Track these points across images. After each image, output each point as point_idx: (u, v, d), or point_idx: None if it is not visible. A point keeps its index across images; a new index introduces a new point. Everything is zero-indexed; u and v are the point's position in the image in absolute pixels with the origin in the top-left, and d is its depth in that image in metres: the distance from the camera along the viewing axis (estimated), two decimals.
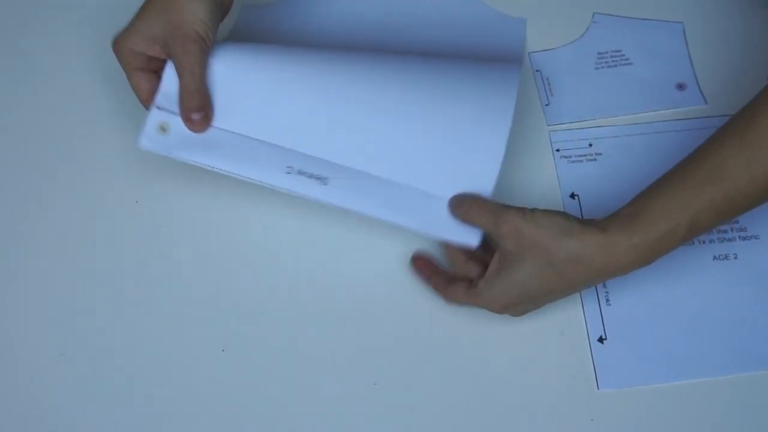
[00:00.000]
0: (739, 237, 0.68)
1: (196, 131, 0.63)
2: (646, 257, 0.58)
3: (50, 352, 0.65)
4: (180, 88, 0.63)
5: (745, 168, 0.57)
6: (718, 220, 0.58)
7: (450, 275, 0.65)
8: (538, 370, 0.63)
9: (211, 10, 0.62)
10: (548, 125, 0.73)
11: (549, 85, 0.75)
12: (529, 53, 0.77)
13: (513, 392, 0.63)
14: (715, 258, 0.67)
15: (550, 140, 0.72)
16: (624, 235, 0.57)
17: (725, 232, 0.68)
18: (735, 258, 0.67)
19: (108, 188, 0.71)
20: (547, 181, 0.71)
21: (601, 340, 0.64)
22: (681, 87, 0.74)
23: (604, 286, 0.66)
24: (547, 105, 0.74)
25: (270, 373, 0.64)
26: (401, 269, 0.67)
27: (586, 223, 0.59)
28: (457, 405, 0.63)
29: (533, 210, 0.59)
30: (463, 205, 0.62)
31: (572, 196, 0.70)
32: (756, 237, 0.68)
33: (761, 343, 0.64)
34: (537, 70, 0.76)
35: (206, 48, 0.62)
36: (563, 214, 0.59)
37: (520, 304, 0.61)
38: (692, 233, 0.58)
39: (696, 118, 0.72)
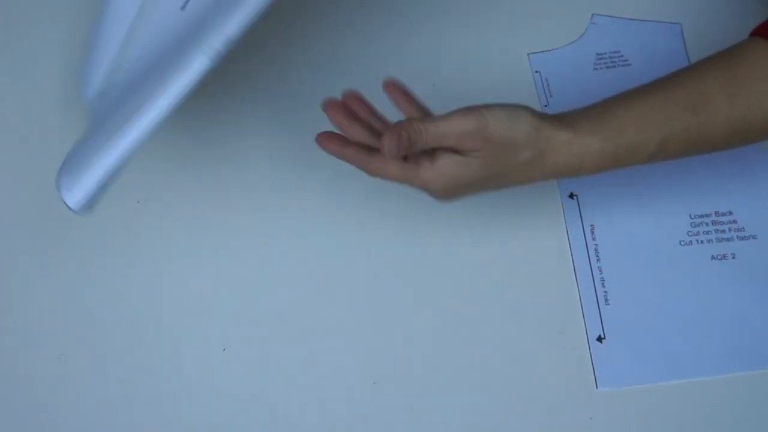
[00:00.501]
0: (737, 237, 0.68)
1: None
2: (609, 164, 0.58)
3: (51, 353, 0.65)
4: None
5: (727, 105, 0.57)
6: (685, 150, 0.58)
7: (366, 147, 0.58)
8: (537, 369, 0.64)
9: None
10: None
11: (548, 86, 0.75)
12: (528, 54, 0.77)
13: (513, 391, 0.63)
14: (713, 258, 0.67)
15: None
16: (595, 137, 0.57)
17: (723, 232, 0.68)
18: (733, 258, 0.67)
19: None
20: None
21: (599, 339, 0.65)
22: None
23: (603, 285, 0.66)
24: (545, 106, 0.74)
25: (270, 371, 0.64)
26: (400, 268, 0.68)
27: (553, 118, 0.57)
28: (456, 404, 0.63)
29: (491, 109, 0.56)
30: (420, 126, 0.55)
31: (571, 196, 0.70)
32: (754, 237, 0.68)
33: (759, 343, 0.64)
34: (536, 71, 0.76)
35: None
36: (527, 109, 0.57)
37: (465, 191, 0.58)
38: (658, 155, 0.58)
39: None
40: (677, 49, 0.76)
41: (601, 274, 0.67)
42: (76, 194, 0.57)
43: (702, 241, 0.68)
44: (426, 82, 0.75)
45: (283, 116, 0.75)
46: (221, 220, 0.70)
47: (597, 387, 0.63)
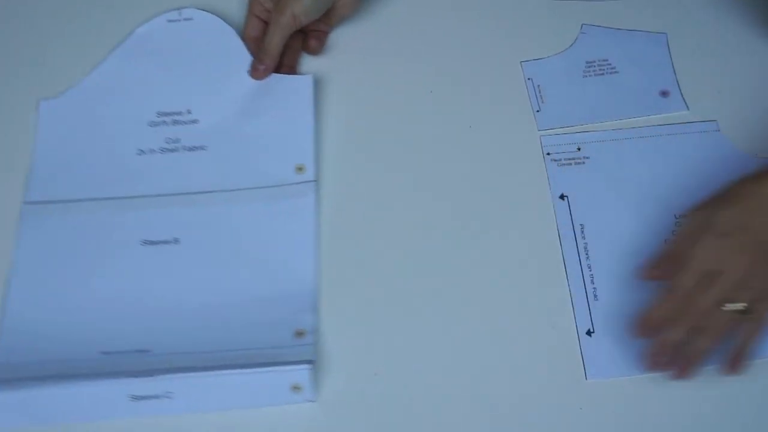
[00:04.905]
0: None
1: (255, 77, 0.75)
2: None
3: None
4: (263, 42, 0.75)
5: None
6: None
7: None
8: (529, 362, 0.64)
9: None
10: (539, 130, 0.75)
11: (540, 92, 0.77)
12: (521, 62, 0.78)
13: (505, 382, 0.64)
14: None
15: (541, 144, 0.74)
16: None
17: None
18: None
19: None
20: (538, 182, 0.72)
21: (589, 333, 0.65)
22: (664, 94, 0.76)
23: (592, 282, 0.67)
24: (537, 111, 0.76)
25: None
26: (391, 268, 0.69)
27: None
28: (452, 396, 0.63)
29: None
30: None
31: (562, 197, 0.71)
32: None
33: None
34: (528, 78, 0.77)
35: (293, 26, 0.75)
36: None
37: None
38: None
39: (678, 123, 0.74)
40: (662, 57, 0.78)
41: (590, 271, 0.68)
42: None
43: None
44: (423, 89, 0.77)
45: None
46: None
47: (586, 378, 0.64)
